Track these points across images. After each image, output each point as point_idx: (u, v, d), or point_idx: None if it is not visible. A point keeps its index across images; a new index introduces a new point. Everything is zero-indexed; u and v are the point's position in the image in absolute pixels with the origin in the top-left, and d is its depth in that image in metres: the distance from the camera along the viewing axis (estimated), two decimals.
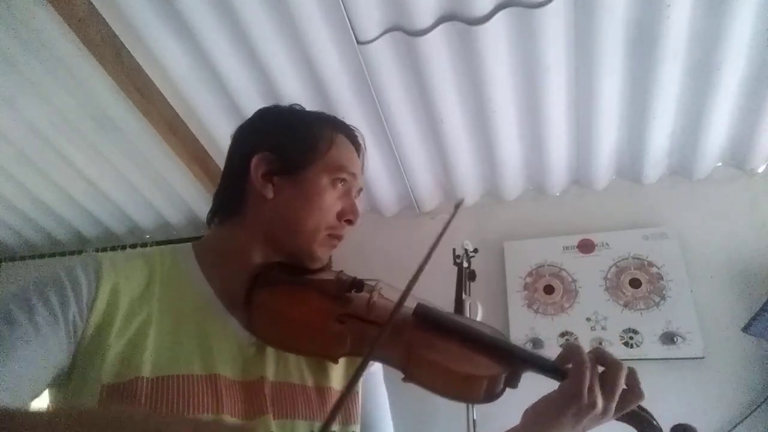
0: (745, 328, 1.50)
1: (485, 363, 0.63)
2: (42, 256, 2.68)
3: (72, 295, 0.57)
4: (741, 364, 1.52)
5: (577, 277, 1.78)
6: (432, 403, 1.70)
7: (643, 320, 1.64)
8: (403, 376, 0.62)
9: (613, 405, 0.60)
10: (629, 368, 0.61)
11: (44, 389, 0.55)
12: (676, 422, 0.66)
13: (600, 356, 0.62)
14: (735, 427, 1.45)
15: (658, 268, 1.69)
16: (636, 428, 0.65)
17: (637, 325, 1.64)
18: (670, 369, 1.54)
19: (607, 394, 0.59)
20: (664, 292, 1.65)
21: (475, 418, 1.45)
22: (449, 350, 0.64)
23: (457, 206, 0.76)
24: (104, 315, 0.58)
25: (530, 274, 1.84)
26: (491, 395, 0.61)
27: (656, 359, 1.56)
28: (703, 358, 1.53)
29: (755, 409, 1.46)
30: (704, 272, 1.66)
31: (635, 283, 1.70)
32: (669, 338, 1.57)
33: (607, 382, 0.60)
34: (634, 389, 0.61)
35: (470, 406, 1.47)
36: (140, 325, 0.60)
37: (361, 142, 0.80)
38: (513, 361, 0.64)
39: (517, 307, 1.80)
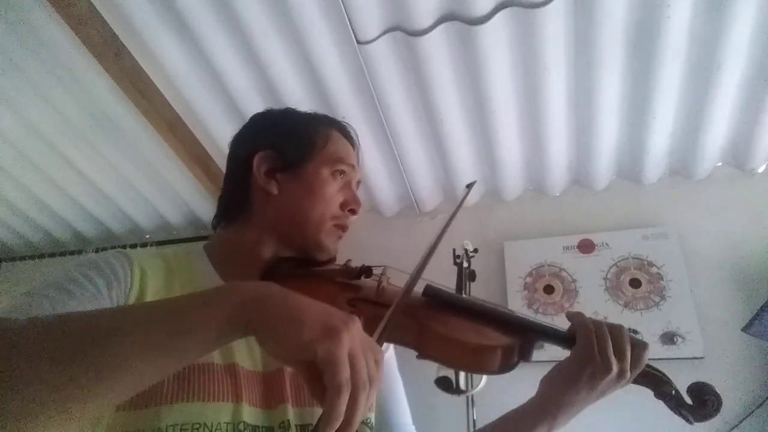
0: (745, 328, 1.50)
1: (497, 335, 0.64)
2: (42, 256, 2.68)
3: (112, 277, 0.60)
4: (741, 364, 1.52)
5: (577, 277, 1.78)
6: (432, 402, 1.70)
7: (643, 320, 1.64)
8: (417, 354, 0.63)
9: (628, 365, 0.62)
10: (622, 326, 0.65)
11: None
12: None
13: (601, 324, 0.65)
14: (735, 427, 1.45)
15: (658, 268, 1.69)
16: (652, 389, 0.66)
17: (637, 325, 1.63)
18: (670, 369, 1.51)
19: (619, 355, 0.62)
20: (664, 292, 1.65)
21: (475, 418, 1.45)
22: (461, 325, 0.65)
23: (470, 186, 0.80)
24: (137, 300, 0.61)
25: (530, 274, 1.84)
26: (506, 365, 0.62)
27: (656, 359, 1.54)
28: (703, 358, 1.53)
29: (755, 409, 1.46)
30: (704, 272, 1.66)
31: (635, 283, 1.70)
32: (669, 338, 1.57)
33: (615, 344, 0.63)
34: (636, 343, 0.65)
35: (470, 406, 1.47)
36: None
37: (354, 136, 0.84)
38: (524, 332, 0.66)
39: (517, 307, 1.80)
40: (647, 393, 0.68)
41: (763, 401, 1.46)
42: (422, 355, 0.63)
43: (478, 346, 0.61)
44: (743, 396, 1.48)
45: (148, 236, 2.50)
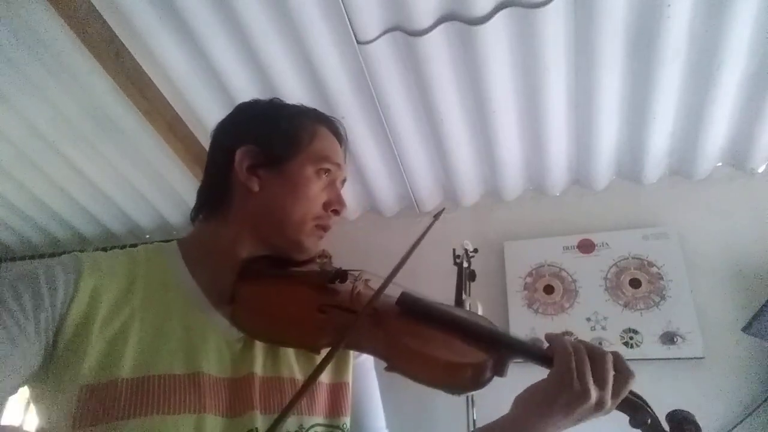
0: (745, 328, 1.49)
1: (469, 350, 0.61)
2: (42, 256, 2.68)
3: (47, 294, 0.56)
4: (741, 364, 1.52)
5: (577, 277, 1.78)
6: (432, 403, 1.70)
7: (643, 320, 1.64)
8: (386, 365, 0.61)
9: (608, 394, 0.57)
10: (613, 353, 0.59)
11: (17, 387, 0.54)
12: None
13: (584, 347, 0.59)
14: (735, 427, 1.45)
15: (658, 268, 1.69)
16: (628, 415, 0.61)
17: (637, 325, 1.64)
18: (670, 369, 1.54)
19: (600, 383, 0.57)
20: (664, 292, 1.65)
21: (475, 418, 1.45)
22: (432, 338, 0.62)
23: (437, 216, 0.76)
24: (84, 314, 0.57)
25: (530, 274, 1.84)
26: (477, 383, 0.60)
27: (656, 359, 1.56)
28: (703, 358, 1.53)
29: (755, 409, 1.45)
30: (704, 272, 1.66)
31: (635, 283, 1.70)
32: (669, 338, 1.57)
33: (597, 371, 0.57)
34: (622, 371, 0.58)
35: (470, 406, 1.47)
36: (122, 324, 0.59)
37: (342, 133, 0.80)
38: (498, 348, 0.62)
39: (517, 307, 1.80)
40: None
41: (763, 401, 1.46)
42: (390, 367, 0.60)
43: (447, 363, 0.58)
44: (743, 396, 1.48)
45: (147, 236, 2.51)
